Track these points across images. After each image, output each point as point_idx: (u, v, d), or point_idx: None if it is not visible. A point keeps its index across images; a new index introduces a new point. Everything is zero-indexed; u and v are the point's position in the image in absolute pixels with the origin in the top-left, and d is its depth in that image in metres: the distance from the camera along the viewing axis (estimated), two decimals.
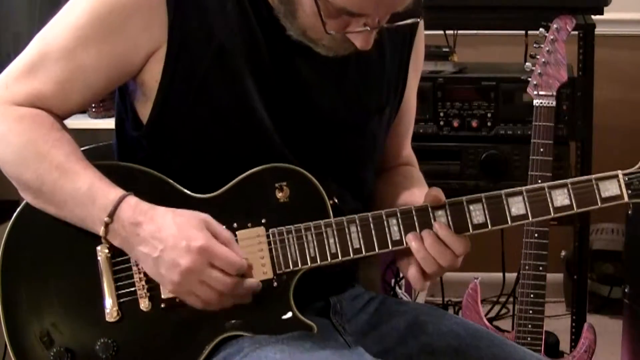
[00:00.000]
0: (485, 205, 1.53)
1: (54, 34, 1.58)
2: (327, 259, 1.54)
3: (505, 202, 1.53)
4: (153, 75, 1.56)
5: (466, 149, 2.81)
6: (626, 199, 1.54)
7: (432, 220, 1.53)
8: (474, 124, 2.80)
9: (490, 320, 3.24)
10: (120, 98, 1.67)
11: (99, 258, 1.56)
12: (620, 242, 3.33)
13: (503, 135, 2.80)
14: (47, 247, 1.60)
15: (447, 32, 3.17)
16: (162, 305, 1.55)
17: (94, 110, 2.84)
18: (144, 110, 1.60)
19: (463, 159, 2.80)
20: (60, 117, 1.60)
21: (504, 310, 3.53)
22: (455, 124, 2.81)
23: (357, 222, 1.54)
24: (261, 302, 1.54)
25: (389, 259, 3.42)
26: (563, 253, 3.51)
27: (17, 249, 1.60)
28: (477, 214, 1.53)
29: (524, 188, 1.53)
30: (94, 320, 1.56)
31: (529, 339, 2.41)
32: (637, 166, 1.57)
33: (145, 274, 1.54)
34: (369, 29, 1.50)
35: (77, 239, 1.57)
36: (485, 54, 3.51)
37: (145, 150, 1.62)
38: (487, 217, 1.53)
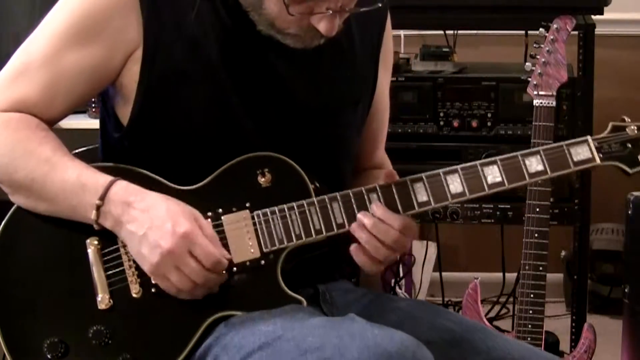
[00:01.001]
0: (461, 176, 1.60)
1: (35, 44, 1.65)
2: (312, 235, 1.59)
3: (481, 171, 1.60)
4: (132, 76, 1.62)
5: (466, 149, 2.81)
6: (598, 161, 1.61)
7: (412, 195, 1.59)
8: (474, 124, 2.81)
9: (490, 320, 3.24)
10: (102, 105, 1.74)
11: (89, 250, 1.60)
12: (620, 242, 3.33)
13: (503, 135, 2.80)
14: (39, 244, 1.64)
15: (447, 32, 3.18)
16: (153, 290, 1.59)
17: (93, 110, 2.84)
18: (125, 112, 1.65)
19: (463, 159, 2.79)
20: (46, 123, 1.65)
21: (504, 310, 3.53)
22: (455, 124, 2.81)
23: (339, 199, 1.59)
24: (250, 281, 1.58)
25: None
26: (563, 253, 3.51)
27: (9, 247, 1.63)
28: (456, 185, 1.60)
29: (498, 158, 1.60)
30: (86, 310, 1.59)
31: (529, 339, 2.41)
32: (605, 132, 1.64)
33: (134, 261, 1.58)
34: (331, 12, 1.55)
35: (67, 234, 1.61)
36: (485, 54, 3.51)
37: (127, 150, 1.67)
38: (465, 186, 1.60)
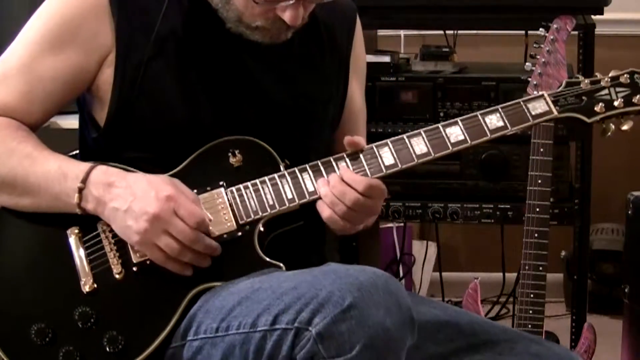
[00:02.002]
0: (425, 138, 1.66)
1: (13, 52, 1.71)
2: (285, 204, 1.65)
3: (443, 132, 1.67)
4: (106, 79, 1.68)
5: (466, 149, 2.80)
6: (555, 113, 1.69)
7: (379, 159, 1.65)
8: None
9: (491, 320, 3.23)
10: (79, 110, 1.79)
11: (70, 238, 1.65)
12: (620, 242, 3.33)
13: (503, 135, 2.80)
14: (21, 239, 1.70)
15: (447, 32, 3.18)
16: (134, 269, 1.64)
17: None
18: (101, 115, 1.71)
19: (463, 159, 2.79)
20: (27, 127, 1.71)
21: (504, 310, 3.54)
22: None
23: (309, 169, 1.67)
24: (229, 253, 1.64)
25: (389, 259, 3.42)
26: (563, 253, 3.51)
27: None
28: (421, 146, 1.66)
29: (458, 119, 1.69)
30: (71, 294, 1.63)
31: None
32: (559, 88, 1.72)
33: (115, 243, 1.64)
34: (293, 1, 1.60)
35: (49, 227, 1.67)
36: (485, 54, 3.51)
37: (103, 150, 1.72)
38: (429, 147, 1.66)
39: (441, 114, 2.81)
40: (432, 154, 1.66)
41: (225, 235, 1.64)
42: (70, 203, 1.62)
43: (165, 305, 1.62)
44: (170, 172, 1.68)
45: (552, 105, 1.68)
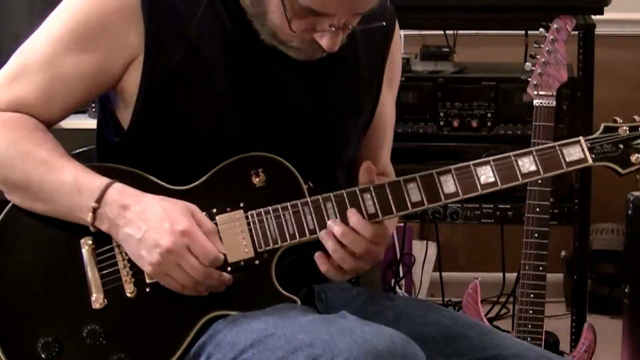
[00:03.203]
0: (455, 176, 1.60)
1: (34, 46, 1.64)
2: (306, 235, 1.59)
3: (474, 171, 1.60)
4: (132, 81, 1.62)
5: (466, 149, 2.80)
6: (590, 161, 1.62)
7: (406, 195, 1.59)
8: (474, 124, 2.81)
9: (490, 320, 3.24)
10: (100, 109, 1.73)
11: (83, 250, 1.60)
12: (620, 242, 3.33)
13: (503, 135, 2.80)
14: (33, 244, 1.64)
15: (447, 32, 3.18)
16: (147, 290, 1.59)
17: (94, 110, 2.84)
18: (125, 117, 1.65)
19: (463, 159, 2.77)
20: (44, 124, 1.65)
21: (504, 310, 3.53)
22: (455, 124, 2.81)
23: (333, 199, 1.59)
24: (245, 281, 1.59)
25: (389, 259, 3.42)
26: (563, 253, 3.51)
27: (3, 247, 1.63)
28: (449, 185, 1.60)
29: (491, 158, 1.61)
30: (80, 309, 1.59)
31: (529, 339, 2.41)
32: (597, 132, 1.64)
33: (129, 260, 1.59)
34: (334, 29, 1.54)
35: (62, 233, 1.62)
36: (485, 54, 3.51)
37: (125, 152, 1.67)
38: (458, 186, 1.60)
39: (441, 114, 2.81)
40: (461, 195, 1.60)
41: (242, 263, 1.59)
42: (84, 219, 1.57)
43: (176, 330, 1.58)
44: (191, 185, 1.62)
45: (587, 153, 1.61)
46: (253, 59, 1.64)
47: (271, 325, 1.51)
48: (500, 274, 3.36)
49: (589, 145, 1.62)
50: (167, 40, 1.61)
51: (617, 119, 1.68)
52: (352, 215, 1.57)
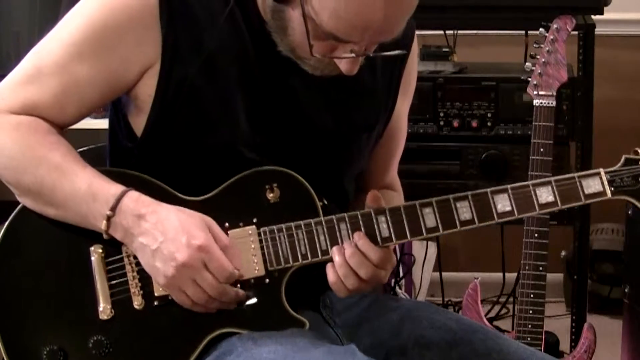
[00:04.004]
0: (471, 202, 1.58)
1: (49, 49, 1.61)
2: (318, 256, 1.57)
3: (491, 199, 1.58)
4: (147, 89, 1.59)
5: (466, 149, 2.81)
6: (609, 195, 1.59)
7: (421, 220, 1.56)
8: (474, 124, 2.80)
9: (490, 320, 3.24)
10: (113, 111, 1.70)
11: (92, 257, 1.58)
12: (620, 242, 3.33)
13: (503, 135, 2.80)
14: (42, 248, 1.62)
15: (447, 32, 3.18)
16: (155, 303, 1.57)
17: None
18: (138, 123, 1.63)
19: (463, 159, 2.80)
20: (57, 127, 1.62)
21: (504, 310, 3.54)
22: (455, 124, 2.81)
23: (347, 219, 1.57)
24: (253, 299, 1.56)
25: None
26: (563, 253, 3.51)
27: (12, 250, 1.61)
28: (464, 210, 1.58)
29: (509, 186, 1.58)
30: (87, 319, 1.57)
31: (529, 339, 2.41)
32: (618, 165, 1.62)
33: (138, 272, 1.57)
34: (354, 55, 1.52)
35: (71, 239, 1.59)
36: (485, 54, 3.51)
37: (137, 158, 1.64)
38: (474, 214, 1.58)
39: (441, 114, 2.81)
40: (476, 223, 1.58)
41: (252, 281, 1.57)
42: (98, 227, 1.55)
43: (182, 345, 1.56)
44: (204, 197, 1.59)
45: (607, 186, 1.59)
46: (269, 71, 1.62)
47: (280, 356, 1.49)
48: (500, 274, 3.37)
49: (608, 177, 1.59)
50: (184, 50, 1.58)
51: (639, 150, 1.65)
52: (360, 238, 1.55)
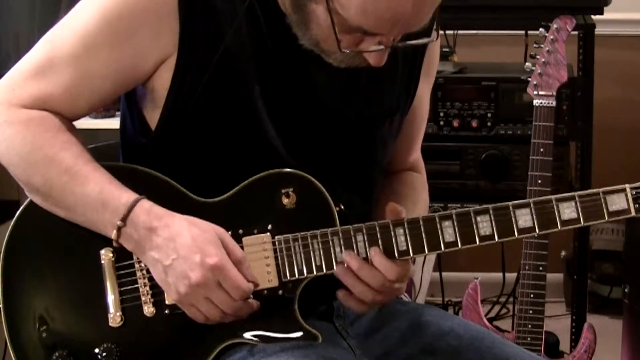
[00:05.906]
0: (492, 217, 1.53)
1: (62, 38, 1.56)
2: (333, 268, 1.53)
3: (512, 213, 1.53)
4: (163, 82, 1.55)
5: (466, 149, 2.81)
6: (633, 213, 1.53)
7: (440, 234, 1.52)
8: (474, 124, 2.81)
9: (490, 320, 3.24)
10: (126, 103, 1.66)
11: (102, 262, 1.55)
12: (620, 242, 3.33)
13: (503, 135, 2.81)
14: (50, 249, 1.58)
15: (447, 32, 3.18)
16: (166, 312, 1.54)
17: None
18: (152, 117, 1.59)
19: (463, 159, 2.80)
20: (68, 120, 1.59)
21: (504, 310, 3.54)
22: (455, 124, 2.81)
23: (364, 231, 1.52)
24: (266, 310, 1.53)
25: None
26: (563, 253, 3.52)
27: (19, 250, 1.58)
28: (484, 225, 1.53)
29: (531, 200, 1.53)
30: (96, 325, 1.55)
31: (529, 339, 2.41)
32: None
33: (149, 279, 1.53)
34: (383, 47, 1.48)
35: (81, 241, 1.56)
36: (485, 54, 3.51)
37: (151, 154, 1.60)
38: (494, 229, 1.53)
39: (441, 114, 2.82)
40: (496, 239, 1.53)
41: (265, 291, 1.53)
42: (108, 234, 1.51)
43: (193, 355, 1.53)
44: (218, 199, 1.55)
45: (631, 204, 1.52)
46: (288, 64, 1.57)
47: None
48: (500, 274, 3.37)
49: (634, 194, 1.53)
50: (202, 42, 1.53)
51: None
52: (375, 255, 1.51)
